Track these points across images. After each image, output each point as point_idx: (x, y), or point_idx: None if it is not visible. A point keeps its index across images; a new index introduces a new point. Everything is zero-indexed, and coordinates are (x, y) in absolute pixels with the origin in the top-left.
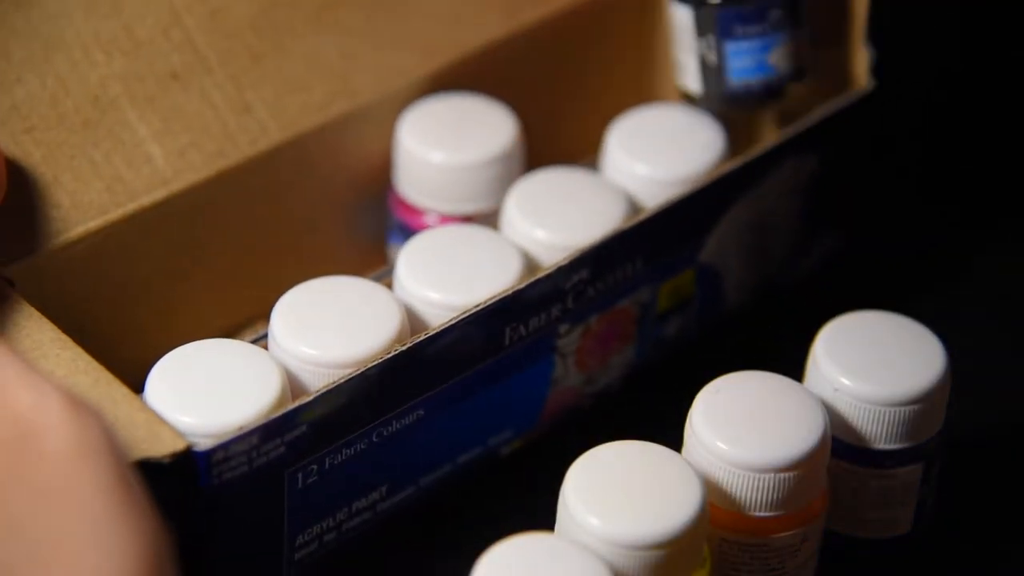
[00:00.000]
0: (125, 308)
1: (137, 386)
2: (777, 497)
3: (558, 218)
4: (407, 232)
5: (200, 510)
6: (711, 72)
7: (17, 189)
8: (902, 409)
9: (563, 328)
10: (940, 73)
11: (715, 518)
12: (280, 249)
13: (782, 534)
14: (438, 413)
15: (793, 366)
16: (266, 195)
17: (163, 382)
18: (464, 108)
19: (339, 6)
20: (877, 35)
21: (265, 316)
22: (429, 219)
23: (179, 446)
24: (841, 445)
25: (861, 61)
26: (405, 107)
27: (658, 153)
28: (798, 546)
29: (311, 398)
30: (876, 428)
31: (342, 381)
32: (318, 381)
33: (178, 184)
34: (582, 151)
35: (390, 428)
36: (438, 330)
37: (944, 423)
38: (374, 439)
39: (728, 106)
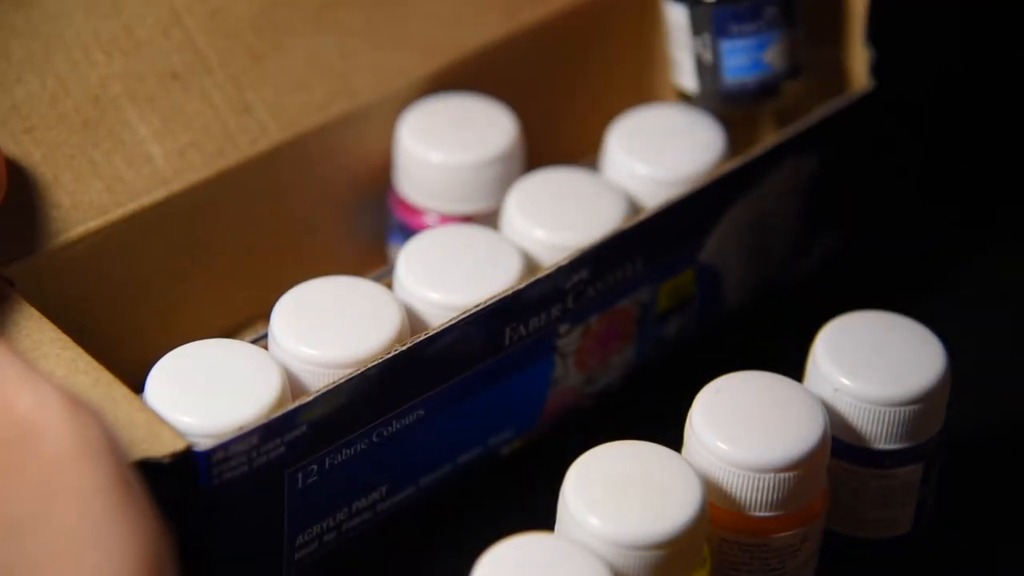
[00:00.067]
0: (125, 308)
1: (137, 386)
2: (777, 497)
3: (558, 218)
4: (407, 232)
5: (200, 510)
6: (707, 70)
7: (17, 189)
8: (902, 409)
9: (563, 328)
10: (940, 73)
11: (715, 518)
12: (280, 249)
13: (782, 534)
14: (438, 413)
15: (793, 366)
16: (266, 195)
17: (163, 382)
18: (464, 108)
19: (339, 6)
20: (877, 35)
21: (265, 316)
22: (429, 219)
23: (179, 446)
24: (841, 445)
25: (861, 61)
26: (405, 107)
27: (658, 153)
28: (798, 546)
29: (311, 398)
30: (876, 428)
31: (342, 381)
32: (318, 381)
33: (178, 184)
34: (582, 151)
35: (390, 428)
36: (438, 330)
37: (944, 423)
38: (374, 439)
39: (724, 104)
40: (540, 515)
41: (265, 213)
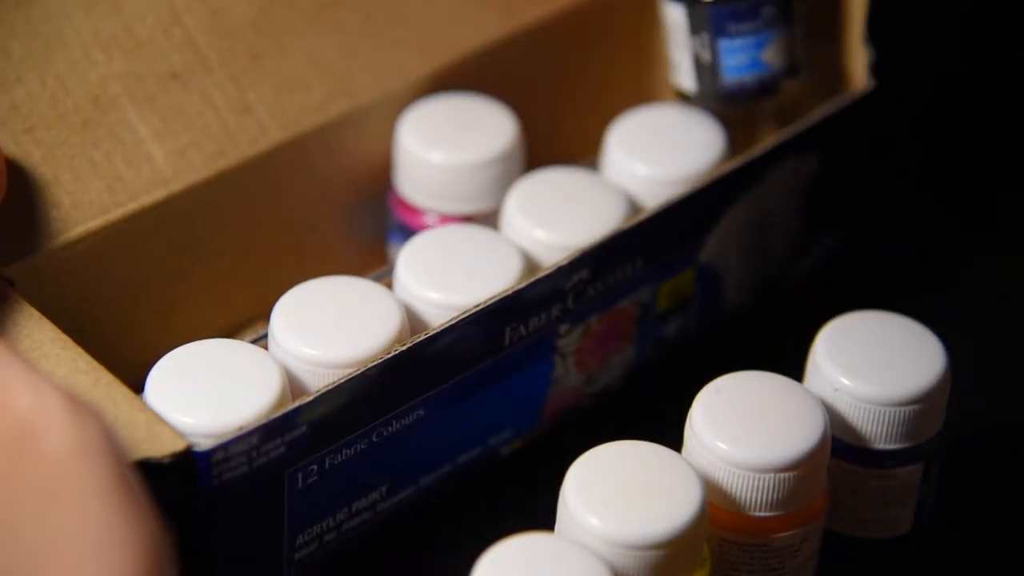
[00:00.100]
0: (125, 308)
1: (137, 386)
2: (777, 497)
3: (558, 218)
4: (407, 232)
5: (200, 510)
6: (705, 70)
7: (17, 189)
8: (902, 409)
9: (563, 328)
10: (940, 73)
11: (715, 518)
12: (280, 249)
13: (782, 534)
14: (438, 413)
15: (793, 366)
16: (266, 195)
17: (163, 382)
18: (464, 108)
19: (339, 6)
20: (877, 35)
21: (265, 316)
22: (429, 219)
23: (179, 446)
24: (841, 445)
25: (861, 61)
26: (405, 107)
27: (658, 153)
28: (798, 546)
29: (311, 398)
30: (876, 428)
31: (342, 381)
32: (318, 381)
33: (178, 184)
34: (582, 151)
35: (390, 428)
36: (438, 330)
37: (944, 423)
38: (374, 439)
39: (723, 103)
40: (540, 515)
41: (265, 213)
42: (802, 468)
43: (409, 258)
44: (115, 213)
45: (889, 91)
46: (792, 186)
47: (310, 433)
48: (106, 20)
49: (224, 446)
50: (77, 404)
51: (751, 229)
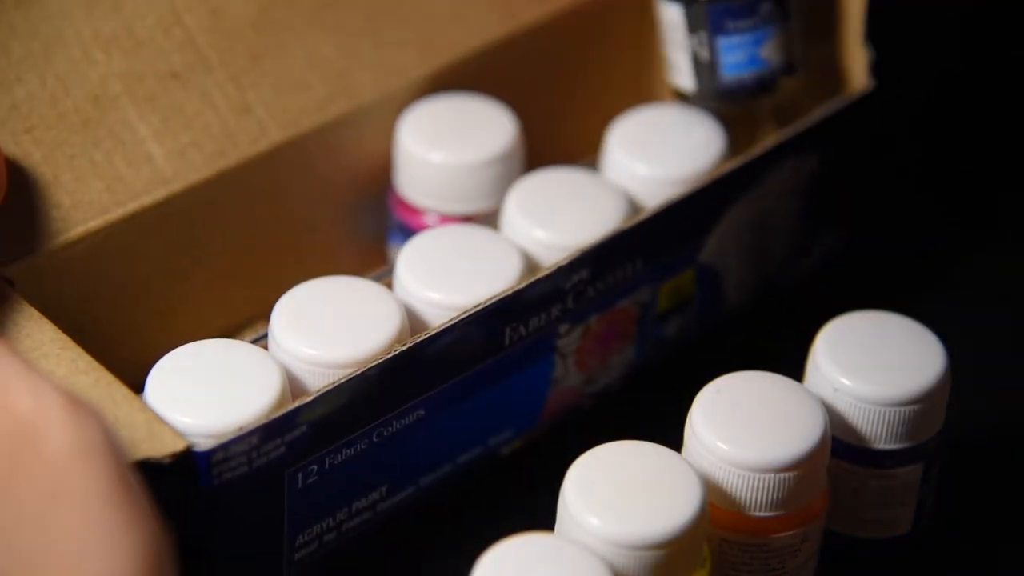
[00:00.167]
0: (125, 308)
1: (137, 386)
2: (777, 497)
3: (558, 218)
4: (407, 232)
5: (200, 510)
6: (703, 68)
7: (17, 189)
8: (902, 409)
9: (563, 328)
10: (940, 73)
11: (715, 518)
12: (280, 249)
13: (782, 534)
14: (438, 413)
15: (793, 366)
16: (266, 195)
17: (163, 382)
18: (464, 108)
19: (339, 6)
20: (877, 35)
21: (265, 316)
22: (429, 219)
23: (179, 446)
24: (841, 445)
25: (861, 61)
26: (405, 107)
27: (658, 153)
28: (798, 546)
29: (311, 398)
30: (876, 428)
31: (342, 381)
32: (318, 381)
33: (178, 184)
34: (582, 151)
35: (390, 428)
36: (438, 330)
37: (944, 423)
38: (374, 439)
39: (722, 101)
40: (540, 515)
41: (265, 213)
42: (802, 468)
43: (409, 258)
44: (115, 213)
45: (889, 91)
46: (792, 186)
47: (310, 433)
48: (106, 20)
49: (224, 446)
50: (77, 404)
51: (751, 229)
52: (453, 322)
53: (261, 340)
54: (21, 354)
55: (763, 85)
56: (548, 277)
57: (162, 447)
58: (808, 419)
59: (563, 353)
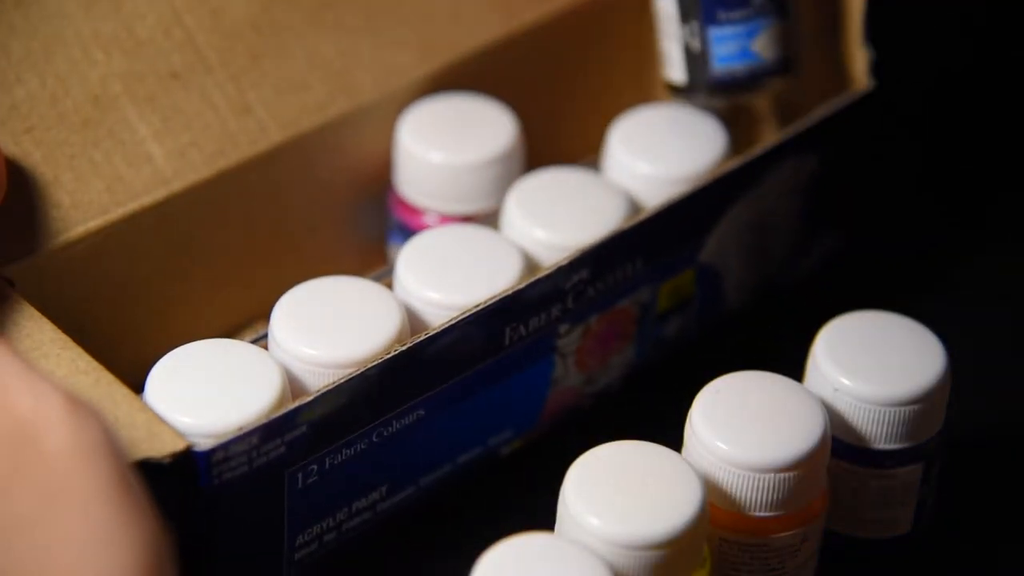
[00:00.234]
0: (125, 308)
1: (137, 386)
2: (777, 497)
3: (558, 218)
4: (407, 232)
5: (200, 510)
6: (695, 59)
7: (17, 189)
8: (902, 409)
9: (563, 328)
10: (940, 73)
11: (715, 518)
12: (280, 249)
13: (782, 534)
14: (438, 413)
15: (793, 366)
16: (266, 195)
17: (163, 382)
18: (464, 108)
19: (339, 6)
20: (877, 35)
21: (265, 316)
22: (429, 219)
23: (179, 446)
24: (841, 445)
25: (861, 61)
26: (405, 107)
27: (660, 152)
28: (798, 546)
29: (311, 398)
30: (876, 428)
31: (342, 381)
32: (318, 381)
33: (178, 184)
34: (582, 151)
35: (390, 428)
36: (438, 330)
37: (944, 423)
38: (374, 439)
39: (713, 94)
40: (540, 515)
41: (265, 213)
42: (802, 468)
43: (409, 258)
44: (115, 213)
45: (889, 91)
46: (792, 186)
47: (310, 433)
48: (106, 20)
49: (224, 446)
50: (77, 404)
51: (751, 229)
52: (453, 322)
53: (261, 340)
54: (21, 354)
55: (755, 79)
56: (548, 277)
57: (162, 447)
58: (808, 419)
59: (563, 353)
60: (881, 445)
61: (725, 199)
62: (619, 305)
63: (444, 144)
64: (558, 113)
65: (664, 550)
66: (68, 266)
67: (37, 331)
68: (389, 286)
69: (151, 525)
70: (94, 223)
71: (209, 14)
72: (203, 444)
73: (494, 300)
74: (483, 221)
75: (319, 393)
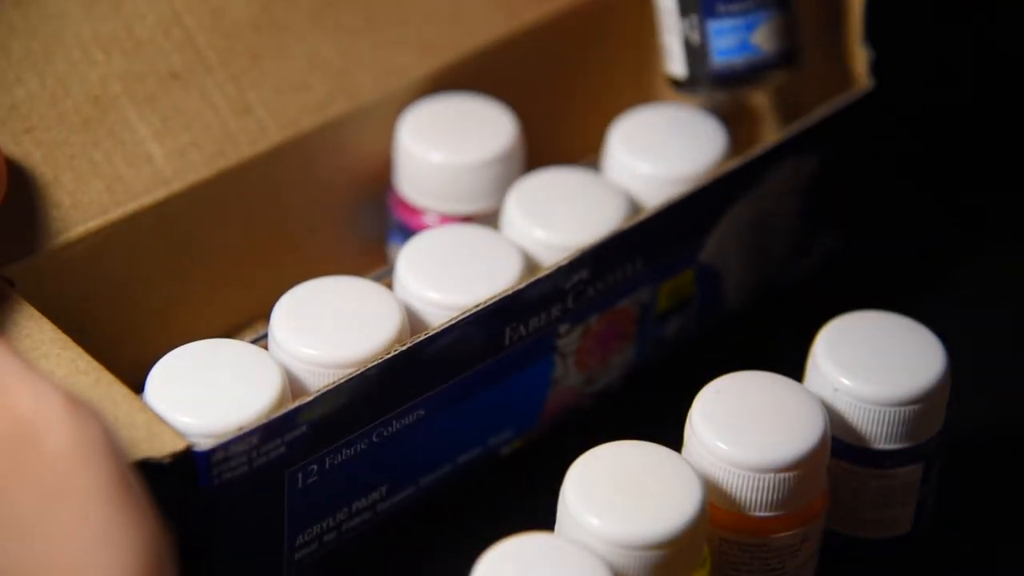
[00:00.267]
0: (125, 308)
1: (137, 386)
2: (777, 497)
3: (558, 218)
4: (407, 232)
5: (200, 510)
6: (695, 53)
7: (17, 189)
8: (902, 409)
9: (563, 328)
10: (940, 73)
11: (715, 518)
12: (280, 249)
13: (782, 534)
14: (438, 413)
15: (793, 366)
16: (266, 195)
17: (163, 382)
18: (464, 108)
19: (339, 6)
20: (876, 35)
21: (265, 316)
22: (429, 219)
23: (179, 446)
24: (841, 445)
25: (861, 61)
26: (405, 107)
27: (660, 152)
28: (798, 546)
29: (311, 398)
30: (876, 428)
31: (342, 381)
32: (318, 381)
33: (178, 184)
34: (582, 151)
35: (390, 428)
36: (438, 330)
37: (944, 423)
38: (374, 439)
39: (713, 88)
40: (540, 515)
41: (265, 213)
42: (802, 468)
43: (409, 258)
44: (115, 213)
45: (889, 91)
46: (792, 186)
47: (310, 433)
48: (106, 20)
49: (224, 446)
50: (77, 404)
51: (751, 229)
52: (453, 322)
53: (261, 340)
54: (21, 354)
55: (755, 72)
56: (548, 277)
57: (162, 447)
58: (808, 419)
59: (563, 353)
60: (881, 445)
61: (725, 199)
62: (619, 305)
63: (444, 144)
64: (558, 113)
65: (664, 550)
66: (68, 266)
67: (37, 331)
68: (389, 286)
69: (151, 525)
70: (94, 223)
71: (209, 14)
72: (203, 444)
73: (494, 300)
74: (483, 221)
75: (319, 393)
